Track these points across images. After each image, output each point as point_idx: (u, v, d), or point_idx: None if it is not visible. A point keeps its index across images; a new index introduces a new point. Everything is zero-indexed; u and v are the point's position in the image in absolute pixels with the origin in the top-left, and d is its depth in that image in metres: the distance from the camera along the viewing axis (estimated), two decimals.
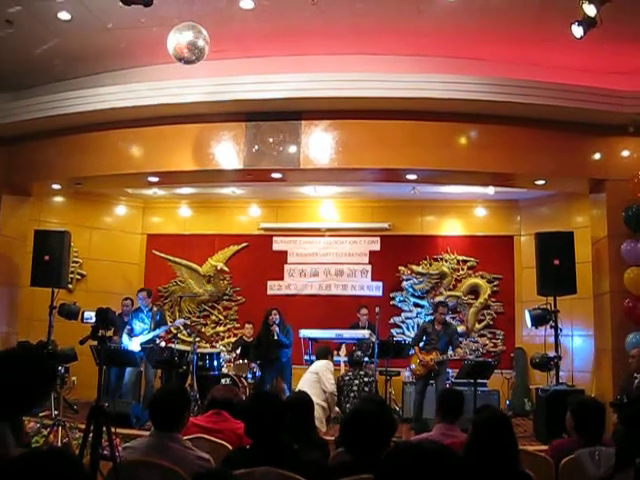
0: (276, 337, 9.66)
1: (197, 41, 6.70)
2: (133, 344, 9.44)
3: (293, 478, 3.18)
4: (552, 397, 7.88)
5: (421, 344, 9.28)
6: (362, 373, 8.06)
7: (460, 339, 9.43)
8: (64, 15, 7.76)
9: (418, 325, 10.86)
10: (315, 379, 7.88)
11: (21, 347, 3.17)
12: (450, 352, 9.03)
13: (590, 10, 6.23)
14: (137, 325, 9.74)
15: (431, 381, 9.16)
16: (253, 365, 9.59)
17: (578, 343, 10.09)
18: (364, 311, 10.20)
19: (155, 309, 10.37)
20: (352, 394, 8.04)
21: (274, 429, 3.46)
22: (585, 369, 9.68)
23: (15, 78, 9.37)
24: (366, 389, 8.00)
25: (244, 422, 3.61)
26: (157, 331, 9.60)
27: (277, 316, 9.78)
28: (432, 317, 9.82)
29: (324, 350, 8.55)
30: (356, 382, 8.01)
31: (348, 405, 8.28)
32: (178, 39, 6.70)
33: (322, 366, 8.06)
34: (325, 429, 7.45)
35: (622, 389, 7.43)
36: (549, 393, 7.99)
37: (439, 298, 11.37)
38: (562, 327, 8.72)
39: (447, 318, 9.76)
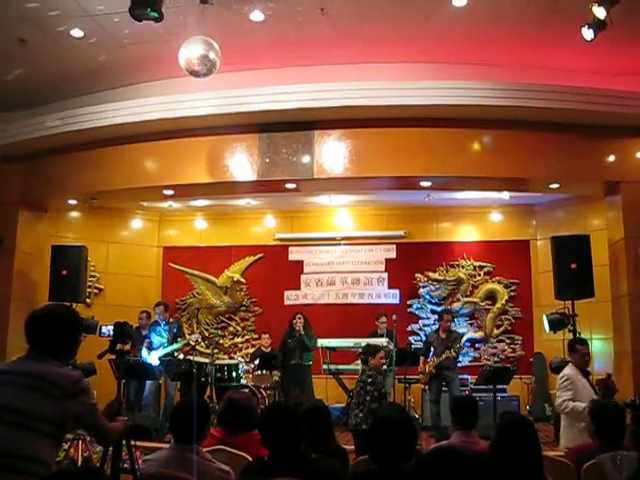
0: (302, 332, 9.65)
1: (208, 54, 6.74)
2: (152, 358, 9.47)
3: None
4: None
5: (430, 355, 9.31)
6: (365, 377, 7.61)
7: (460, 344, 9.30)
8: (77, 32, 7.85)
9: None
10: None
11: (53, 305, 3.46)
12: (444, 354, 8.97)
13: (600, 12, 6.21)
14: (155, 339, 9.77)
15: (444, 388, 9.13)
16: (275, 374, 9.54)
17: (597, 347, 9.98)
18: (383, 319, 10.20)
19: (172, 321, 10.42)
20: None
21: (291, 439, 3.43)
22: (605, 373, 9.58)
23: (30, 95, 9.46)
24: (368, 388, 7.38)
25: (261, 433, 3.60)
26: (175, 345, 9.62)
27: (301, 320, 9.79)
28: (438, 326, 9.77)
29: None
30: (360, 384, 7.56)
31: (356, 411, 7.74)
32: (189, 53, 6.74)
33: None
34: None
35: None
36: None
37: (456, 305, 11.38)
38: (580, 331, 8.65)
39: (453, 325, 9.82)
